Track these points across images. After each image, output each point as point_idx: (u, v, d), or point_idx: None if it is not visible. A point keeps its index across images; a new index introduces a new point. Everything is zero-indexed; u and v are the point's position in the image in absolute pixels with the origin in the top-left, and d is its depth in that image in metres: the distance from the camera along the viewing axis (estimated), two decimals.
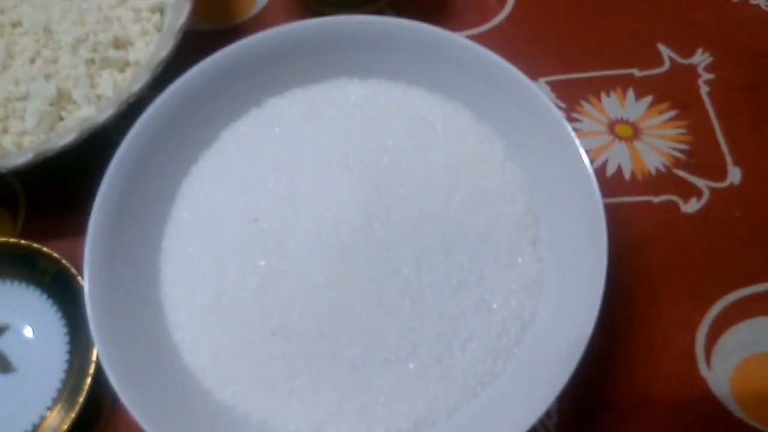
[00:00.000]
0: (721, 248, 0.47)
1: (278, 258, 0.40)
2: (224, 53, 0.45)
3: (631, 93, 0.54)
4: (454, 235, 0.41)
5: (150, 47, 0.52)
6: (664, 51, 0.56)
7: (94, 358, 0.43)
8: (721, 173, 0.50)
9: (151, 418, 0.36)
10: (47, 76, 0.49)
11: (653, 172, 0.50)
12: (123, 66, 0.51)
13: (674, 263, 0.47)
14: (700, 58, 0.56)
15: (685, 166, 0.51)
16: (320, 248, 0.40)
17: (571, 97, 0.54)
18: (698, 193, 0.49)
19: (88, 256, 0.39)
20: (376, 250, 0.40)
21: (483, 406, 0.39)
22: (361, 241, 0.40)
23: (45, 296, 0.46)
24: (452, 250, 0.40)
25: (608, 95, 0.54)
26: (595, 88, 0.54)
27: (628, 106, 0.54)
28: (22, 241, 0.47)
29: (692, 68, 0.55)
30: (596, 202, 0.39)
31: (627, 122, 0.53)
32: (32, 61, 0.50)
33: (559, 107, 0.48)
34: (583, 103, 0.54)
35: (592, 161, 0.40)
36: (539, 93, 0.42)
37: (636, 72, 0.55)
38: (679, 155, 0.51)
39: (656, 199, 0.49)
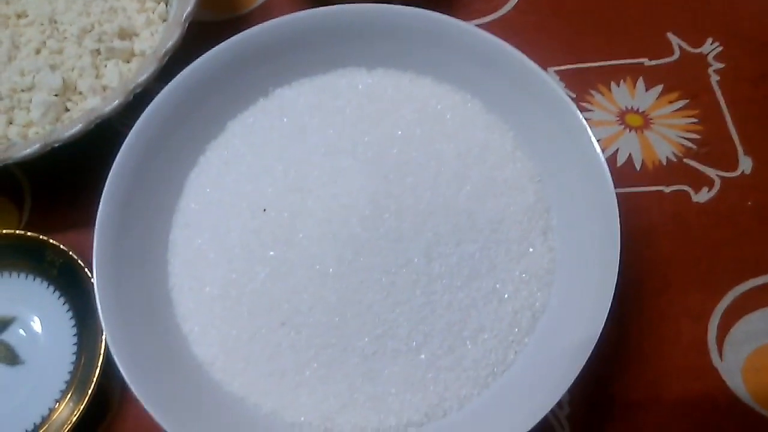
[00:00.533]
0: (733, 238, 0.47)
1: (287, 248, 0.40)
2: (230, 43, 0.45)
3: (641, 82, 0.54)
4: (465, 225, 0.41)
5: (155, 37, 0.52)
6: (674, 40, 0.56)
7: (102, 349, 0.42)
8: (732, 163, 0.50)
9: (162, 409, 0.35)
10: (53, 67, 0.48)
11: (664, 161, 0.50)
12: (128, 56, 0.51)
13: (685, 253, 0.47)
14: (710, 48, 0.55)
15: (696, 156, 0.50)
16: (330, 238, 0.39)
17: (580, 87, 0.54)
18: (709, 183, 0.49)
19: (96, 247, 0.39)
20: (386, 240, 0.39)
21: (494, 396, 0.39)
22: (370, 231, 0.39)
23: (52, 288, 0.46)
24: (463, 240, 0.40)
25: (618, 85, 0.54)
26: (604, 78, 0.54)
27: (639, 96, 0.53)
28: (29, 233, 0.46)
29: (702, 57, 0.55)
30: (609, 191, 0.39)
31: (637, 112, 0.52)
32: (37, 51, 0.49)
33: (568, 97, 0.48)
34: (593, 92, 0.53)
35: (602, 151, 0.40)
36: (550, 81, 0.42)
37: (646, 61, 0.55)
38: (690, 145, 0.51)
39: (667, 189, 0.49)
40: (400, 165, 0.42)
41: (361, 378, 0.38)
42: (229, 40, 0.45)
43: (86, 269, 0.44)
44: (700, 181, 0.49)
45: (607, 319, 0.36)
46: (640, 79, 0.54)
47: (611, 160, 0.50)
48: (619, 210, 0.39)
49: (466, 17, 0.57)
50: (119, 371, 0.36)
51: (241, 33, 0.45)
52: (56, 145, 0.44)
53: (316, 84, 0.47)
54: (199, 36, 0.49)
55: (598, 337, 0.36)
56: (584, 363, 0.36)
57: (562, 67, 0.54)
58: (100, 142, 0.45)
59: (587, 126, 0.40)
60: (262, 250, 0.40)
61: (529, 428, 0.35)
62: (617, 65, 0.55)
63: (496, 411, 0.38)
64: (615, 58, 0.55)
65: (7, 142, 0.47)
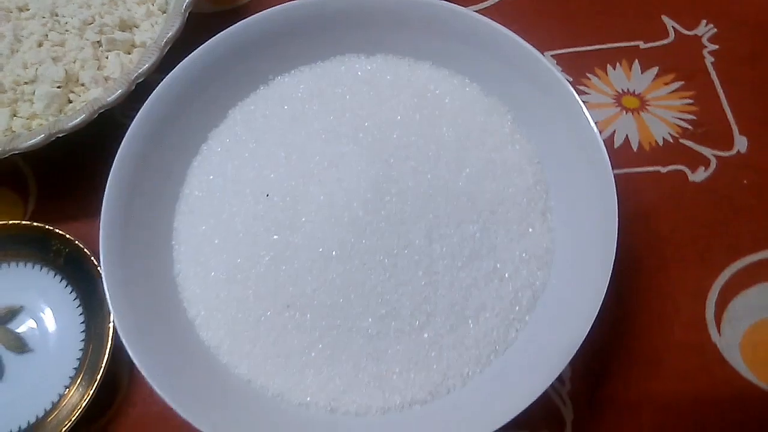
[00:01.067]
0: (729, 216, 0.48)
1: (291, 232, 0.41)
2: (230, 32, 0.46)
3: (636, 65, 0.54)
4: (465, 207, 0.41)
5: (155, 29, 0.52)
6: (669, 23, 0.56)
7: (110, 336, 0.43)
8: (727, 142, 0.50)
9: (171, 391, 0.36)
10: (55, 59, 0.49)
11: (660, 142, 0.51)
12: (129, 48, 0.51)
13: (683, 232, 0.47)
14: (705, 30, 0.56)
15: (692, 136, 0.51)
16: (332, 222, 0.40)
17: (577, 70, 0.54)
18: (705, 163, 0.50)
19: (102, 236, 0.40)
20: (387, 222, 0.40)
21: (496, 374, 0.39)
22: (372, 214, 0.40)
23: (59, 278, 0.47)
24: (463, 222, 0.41)
25: (614, 67, 0.54)
26: (601, 61, 0.55)
27: (635, 78, 0.54)
28: (35, 223, 0.47)
29: (697, 39, 0.55)
30: (606, 171, 0.40)
31: (633, 94, 0.53)
32: (39, 44, 0.50)
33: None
34: (590, 75, 0.54)
35: (599, 133, 0.40)
36: (548, 64, 0.42)
37: (641, 44, 0.55)
38: (686, 125, 0.51)
39: (664, 169, 0.50)
40: (401, 149, 0.42)
41: (365, 358, 0.39)
42: (228, 29, 0.45)
43: (92, 258, 0.45)
44: (696, 160, 0.50)
45: (606, 297, 0.37)
46: (636, 61, 0.54)
47: (608, 142, 0.51)
48: (617, 190, 0.39)
49: (464, 2, 0.57)
50: (127, 357, 0.37)
51: (240, 22, 0.45)
52: (60, 135, 0.44)
53: (316, 71, 0.48)
54: (198, 27, 0.49)
55: (597, 315, 0.37)
56: (583, 340, 0.36)
57: (559, 51, 0.55)
58: (103, 133, 0.46)
59: (585, 108, 0.41)
60: (266, 234, 0.41)
61: (530, 403, 0.35)
62: (613, 48, 0.55)
63: (499, 388, 0.38)
64: (611, 41, 0.55)
65: (11, 134, 0.47)
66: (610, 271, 0.37)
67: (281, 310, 0.40)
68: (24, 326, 0.46)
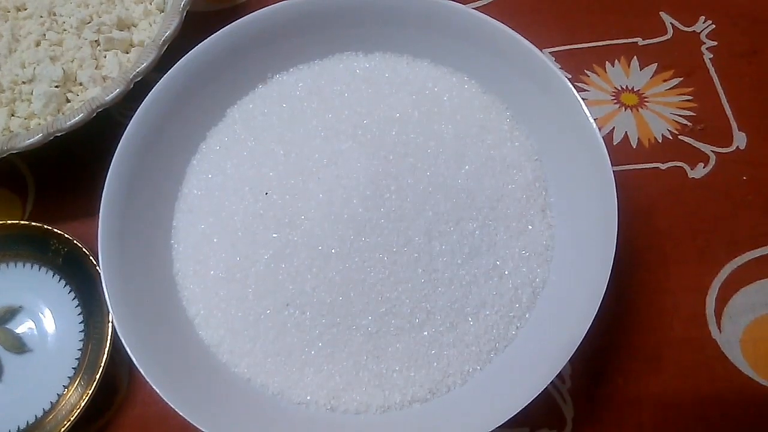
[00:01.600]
0: (729, 212, 0.48)
1: (290, 230, 0.40)
2: (228, 30, 0.45)
3: (635, 61, 0.54)
4: (464, 204, 0.41)
5: (153, 28, 0.52)
6: (667, 19, 0.56)
7: (109, 335, 0.43)
8: (726, 138, 0.50)
9: (170, 390, 0.36)
10: (53, 59, 0.49)
11: (660, 139, 0.51)
12: (127, 47, 0.51)
13: (683, 228, 0.47)
14: (703, 26, 0.56)
15: (691, 133, 0.51)
16: (331, 219, 0.40)
17: (575, 67, 0.54)
18: (705, 159, 0.50)
19: (101, 235, 0.40)
20: (387, 219, 0.40)
21: (497, 371, 0.39)
22: (372, 212, 0.40)
23: (57, 277, 0.47)
24: (463, 219, 0.41)
25: (613, 64, 0.54)
26: (599, 58, 0.55)
27: (633, 75, 0.54)
28: (34, 223, 0.47)
29: (695, 36, 0.55)
30: (606, 168, 0.40)
31: (632, 90, 0.53)
32: (37, 44, 0.50)
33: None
34: (588, 72, 0.54)
35: (599, 129, 0.40)
36: (546, 61, 0.42)
37: (640, 41, 0.55)
38: (685, 122, 0.51)
39: (663, 166, 0.50)
40: (400, 146, 0.42)
41: (365, 356, 0.39)
42: (226, 27, 0.45)
43: (91, 257, 0.45)
44: (695, 157, 0.50)
45: (606, 294, 0.37)
46: (635, 58, 0.54)
47: (608, 139, 0.51)
48: (617, 187, 0.39)
49: (462, 0, 0.58)
50: (126, 357, 0.37)
51: (238, 20, 0.45)
52: (58, 134, 0.44)
53: (315, 69, 0.47)
54: (196, 26, 0.49)
55: (597, 311, 0.37)
56: (584, 336, 0.36)
57: (558, 48, 0.55)
58: (101, 133, 0.46)
59: (584, 105, 0.41)
60: (266, 232, 0.41)
61: (531, 401, 0.35)
62: (611, 45, 0.55)
63: (499, 385, 0.38)
64: (609, 38, 0.55)
65: (9, 134, 0.47)
66: (610, 268, 0.37)
67: (281, 308, 0.40)
68: (23, 326, 0.46)
